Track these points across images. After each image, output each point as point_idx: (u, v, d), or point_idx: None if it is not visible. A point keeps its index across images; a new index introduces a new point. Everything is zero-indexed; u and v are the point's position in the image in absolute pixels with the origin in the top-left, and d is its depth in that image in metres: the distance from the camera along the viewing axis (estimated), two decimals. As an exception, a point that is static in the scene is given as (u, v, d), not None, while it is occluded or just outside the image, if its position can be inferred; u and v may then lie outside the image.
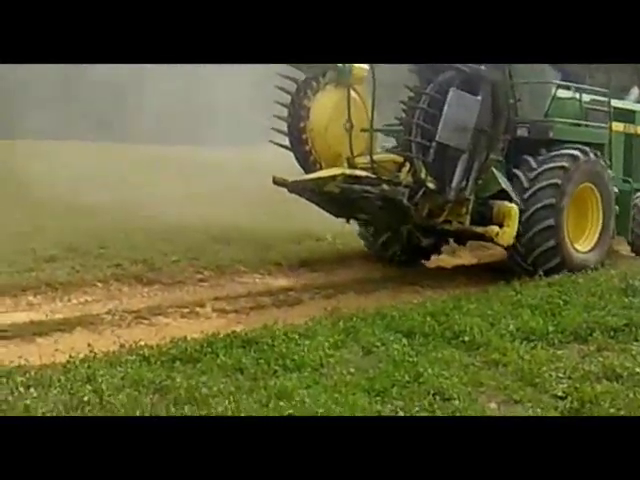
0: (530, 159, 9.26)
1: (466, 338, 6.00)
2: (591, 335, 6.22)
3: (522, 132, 9.51)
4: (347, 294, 8.43)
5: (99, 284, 7.83)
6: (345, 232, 10.34)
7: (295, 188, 8.68)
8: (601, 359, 5.63)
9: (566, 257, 9.14)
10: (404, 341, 5.95)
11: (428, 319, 6.49)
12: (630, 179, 11.32)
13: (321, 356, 5.41)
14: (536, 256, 9.00)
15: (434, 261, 10.50)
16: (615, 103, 11.35)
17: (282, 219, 11.06)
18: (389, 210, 8.35)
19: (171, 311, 7.36)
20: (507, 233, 8.70)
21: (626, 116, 11.78)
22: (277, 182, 8.77)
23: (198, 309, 7.50)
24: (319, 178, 8.47)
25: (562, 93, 10.34)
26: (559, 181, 9.10)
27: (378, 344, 5.86)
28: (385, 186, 8.11)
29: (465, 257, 11.21)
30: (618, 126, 11.33)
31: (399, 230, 9.36)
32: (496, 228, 8.71)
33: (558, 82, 10.24)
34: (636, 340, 6.09)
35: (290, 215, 10.77)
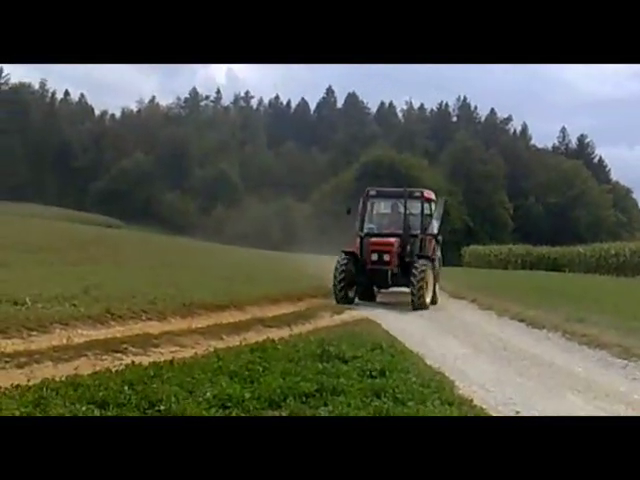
0: None
1: (162, 407, 5.86)
2: (285, 401, 6.40)
3: None
4: (43, 363, 7.84)
5: None
6: (46, 296, 9.71)
7: None
8: (291, 424, 5.77)
9: None
10: (96, 412, 5.65)
11: (125, 388, 6.25)
12: None
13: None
14: None
15: (141, 327, 10.24)
16: None
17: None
18: None
19: None
20: None
21: None
22: None
23: None
24: None
25: None
26: None
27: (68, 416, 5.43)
28: None
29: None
30: None
31: None
32: None
33: None
34: (325, 405, 6.36)
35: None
